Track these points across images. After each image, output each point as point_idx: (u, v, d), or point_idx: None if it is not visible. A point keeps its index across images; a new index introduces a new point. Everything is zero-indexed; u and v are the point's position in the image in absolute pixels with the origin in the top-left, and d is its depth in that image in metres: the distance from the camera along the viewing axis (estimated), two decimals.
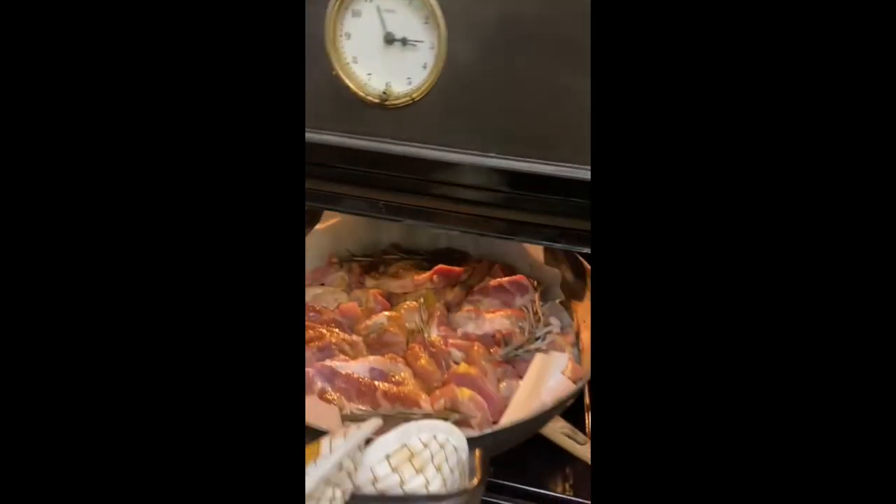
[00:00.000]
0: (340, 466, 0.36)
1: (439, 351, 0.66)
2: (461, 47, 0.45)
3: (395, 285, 0.78)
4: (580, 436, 0.61)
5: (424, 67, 0.47)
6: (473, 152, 0.48)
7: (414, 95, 0.48)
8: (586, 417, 0.63)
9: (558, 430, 0.61)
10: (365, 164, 0.52)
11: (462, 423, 0.55)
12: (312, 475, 0.35)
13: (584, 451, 0.59)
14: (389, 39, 0.48)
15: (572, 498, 0.56)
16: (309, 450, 0.36)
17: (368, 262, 0.82)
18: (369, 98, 0.49)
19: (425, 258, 0.83)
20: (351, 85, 0.49)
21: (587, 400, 0.63)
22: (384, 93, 0.49)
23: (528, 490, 0.56)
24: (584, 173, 0.46)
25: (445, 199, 0.53)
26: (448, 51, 0.45)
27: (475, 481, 0.41)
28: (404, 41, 0.47)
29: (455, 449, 0.40)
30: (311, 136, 0.50)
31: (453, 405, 0.58)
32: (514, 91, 0.46)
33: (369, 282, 0.79)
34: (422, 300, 0.74)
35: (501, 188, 0.51)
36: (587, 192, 0.46)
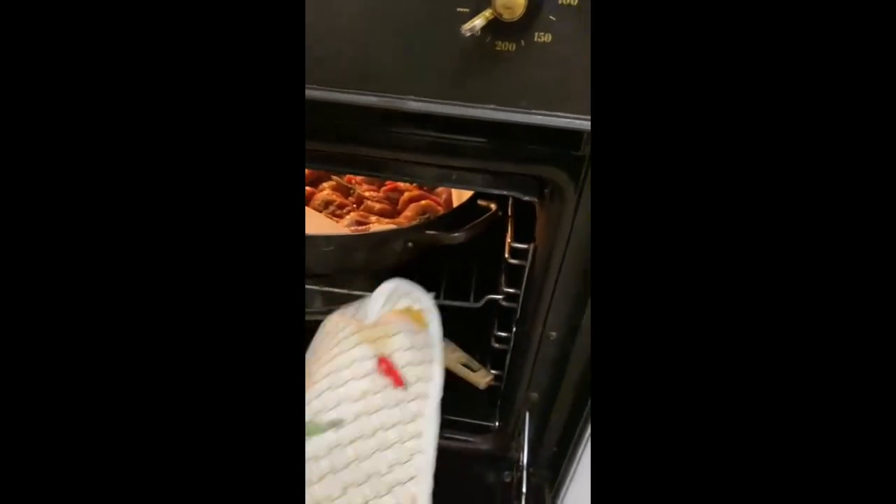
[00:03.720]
0: None
1: (382, 196, 0.89)
2: None
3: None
4: (474, 363, 0.70)
5: None
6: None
7: None
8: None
9: (455, 361, 0.71)
10: None
11: (434, 214, 0.82)
12: None
13: (476, 377, 0.70)
14: None
15: (476, 422, 0.69)
16: None
17: None
18: None
19: None
20: None
21: None
22: None
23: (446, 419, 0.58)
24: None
25: None
26: None
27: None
28: None
29: None
30: None
31: (423, 211, 0.84)
32: None
33: None
34: (332, 179, 0.94)
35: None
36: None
